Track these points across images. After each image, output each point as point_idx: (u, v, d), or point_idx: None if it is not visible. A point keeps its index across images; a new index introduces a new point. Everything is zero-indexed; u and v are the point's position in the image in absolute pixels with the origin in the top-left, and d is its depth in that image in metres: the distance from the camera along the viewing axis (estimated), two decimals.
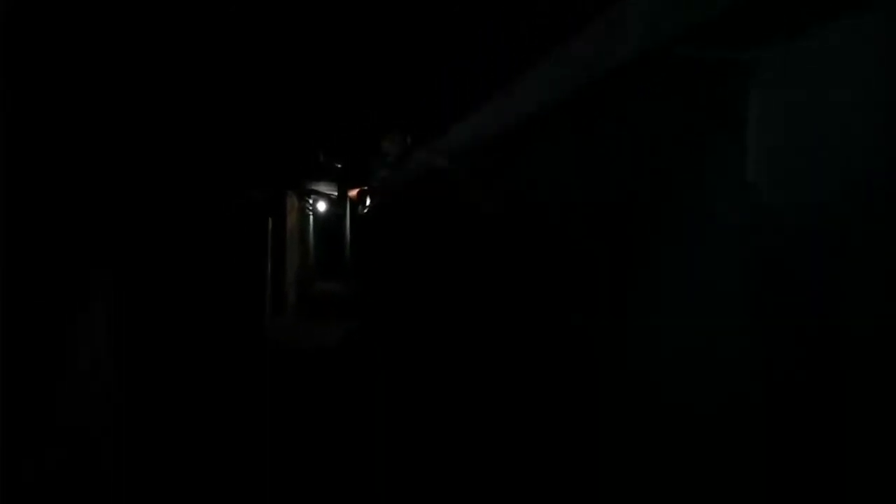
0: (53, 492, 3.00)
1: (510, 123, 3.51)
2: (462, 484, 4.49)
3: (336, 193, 15.75)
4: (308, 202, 17.05)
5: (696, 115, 2.46)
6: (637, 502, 2.83)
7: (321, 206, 18.52)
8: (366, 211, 13.35)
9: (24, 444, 2.78)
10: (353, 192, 14.60)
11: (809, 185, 2.00)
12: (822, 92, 1.95)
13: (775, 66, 2.14)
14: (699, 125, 2.45)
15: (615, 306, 3.07)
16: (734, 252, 2.31)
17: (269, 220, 11.16)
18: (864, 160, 1.84)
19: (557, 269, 3.66)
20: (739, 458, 2.30)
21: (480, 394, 5.10)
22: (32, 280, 2.92)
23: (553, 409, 3.75)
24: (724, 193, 2.35)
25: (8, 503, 2.60)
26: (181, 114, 5.46)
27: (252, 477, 4.79)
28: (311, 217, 19.05)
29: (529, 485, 3.95)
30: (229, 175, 7.88)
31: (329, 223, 20.84)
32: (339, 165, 14.42)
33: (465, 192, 5.41)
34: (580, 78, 2.66)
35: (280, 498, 4.49)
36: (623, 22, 2.40)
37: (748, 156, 2.21)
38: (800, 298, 2.04)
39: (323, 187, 15.28)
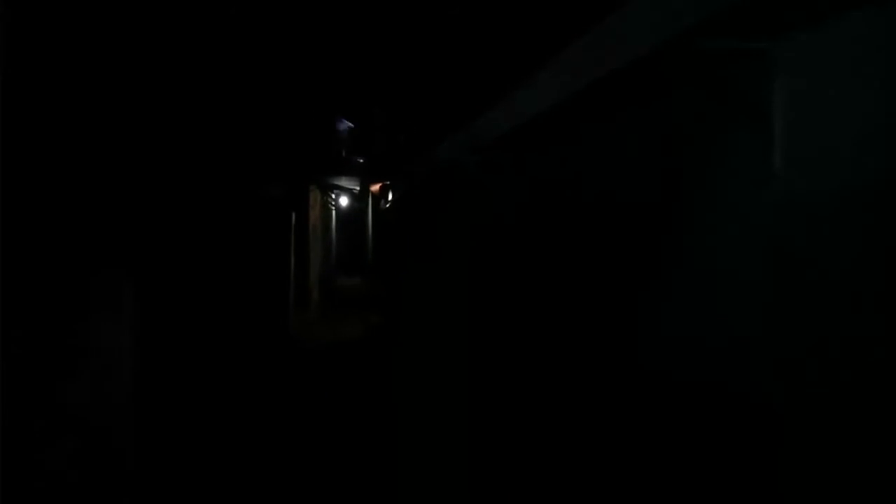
0: (73, 487, 3.04)
1: (532, 114, 3.50)
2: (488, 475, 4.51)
3: (358, 188, 15.80)
4: (331, 197, 17.13)
5: (718, 103, 2.44)
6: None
7: (343, 200, 18.60)
8: (388, 205, 13.40)
9: (43, 438, 2.82)
10: (375, 187, 14.66)
11: (831, 173, 1.97)
12: (843, 80, 1.92)
13: (796, 55, 2.11)
14: (721, 114, 2.43)
15: (639, 297, 3.05)
16: (757, 239, 2.28)
17: (293, 215, 11.22)
18: (886, 148, 1.81)
19: (579, 261, 3.64)
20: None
21: (502, 388, 5.10)
22: (54, 273, 2.96)
23: (582, 404, 3.75)
24: (747, 181, 2.33)
25: (28, 497, 2.64)
26: (206, 109, 5.51)
27: (273, 471, 4.84)
28: (334, 212, 19.15)
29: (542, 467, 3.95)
30: (253, 170, 7.94)
31: (351, 218, 20.93)
32: (361, 160, 14.48)
33: (487, 184, 5.39)
34: (601, 69, 2.65)
35: (301, 491, 4.53)
36: (645, 12, 2.38)
37: (770, 144, 2.19)
38: (822, 284, 2.02)
39: (345, 182, 15.35)
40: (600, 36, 2.63)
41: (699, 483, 2.66)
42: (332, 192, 16.95)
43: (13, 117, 2.47)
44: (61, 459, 2.97)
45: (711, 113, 2.48)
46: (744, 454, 2.38)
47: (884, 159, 1.80)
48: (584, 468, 3.53)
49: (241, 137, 7.13)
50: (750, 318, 2.30)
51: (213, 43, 4.71)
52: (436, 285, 7.95)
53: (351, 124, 13.30)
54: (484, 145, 4.82)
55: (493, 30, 4.06)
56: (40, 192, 2.80)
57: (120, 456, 3.64)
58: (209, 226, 5.81)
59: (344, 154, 14.44)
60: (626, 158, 3.06)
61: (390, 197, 12.57)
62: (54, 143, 2.92)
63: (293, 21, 4.81)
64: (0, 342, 2.49)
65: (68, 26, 3.00)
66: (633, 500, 2.95)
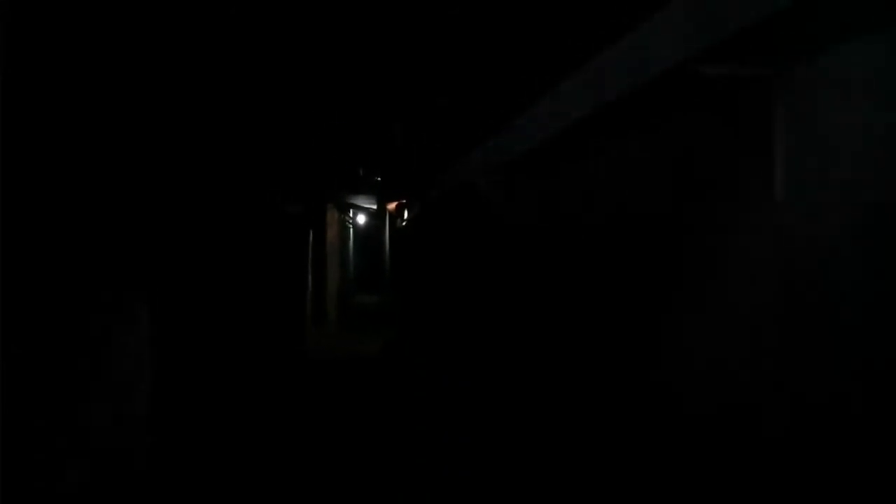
0: (93, 495, 3.07)
1: (541, 138, 3.59)
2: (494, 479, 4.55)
3: (375, 206, 15.93)
4: (348, 215, 17.29)
5: (723, 129, 2.52)
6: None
7: (360, 218, 18.76)
8: (404, 223, 13.49)
9: (62, 449, 2.85)
10: (392, 205, 14.78)
11: (834, 197, 2.04)
12: (844, 106, 2.00)
13: (799, 81, 2.19)
14: (726, 139, 2.50)
15: (647, 317, 3.11)
16: (763, 261, 2.34)
17: (311, 232, 11.34)
18: (886, 171, 1.87)
19: (591, 278, 3.71)
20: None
21: (516, 397, 5.15)
22: (75, 293, 3.01)
23: (590, 417, 3.80)
24: (753, 205, 2.39)
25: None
26: (226, 130, 5.64)
27: (292, 483, 4.89)
28: (351, 229, 19.30)
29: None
30: (272, 188, 8.06)
31: (368, 236, 21.10)
32: (378, 179, 14.60)
33: (502, 203, 5.48)
34: (609, 94, 2.74)
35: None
36: (650, 40, 2.47)
37: (774, 169, 2.26)
38: (829, 305, 2.07)
39: (362, 200, 15.49)
40: (607, 62, 2.72)
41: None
42: (350, 210, 17.11)
43: (19, 128, 2.48)
44: (82, 477, 3.01)
45: (716, 137, 2.55)
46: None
47: (884, 182, 1.86)
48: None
49: (261, 157, 7.26)
50: (757, 335, 2.36)
51: (230, 59, 4.84)
52: (451, 300, 8.01)
53: (368, 144, 13.41)
54: (496, 167, 4.91)
55: (506, 56, 4.16)
56: (56, 209, 2.84)
57: (138, 471, 3.70)
58: (228, 242, 5.90)
59: (361, 173, 14.57)
60: (632, 180, 3.14)
61: (406, 215, 12.66)
62: (70, 156, 2.96)
63: (313, 47, 4.94)
64: (16, 362, 2.54)
65: (83, 31, 3.01)
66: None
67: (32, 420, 2.63)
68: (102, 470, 3.20)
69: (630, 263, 3.17)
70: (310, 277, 11.34)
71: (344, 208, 16.07)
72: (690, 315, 2.73)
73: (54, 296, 2.82)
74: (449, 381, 7.47)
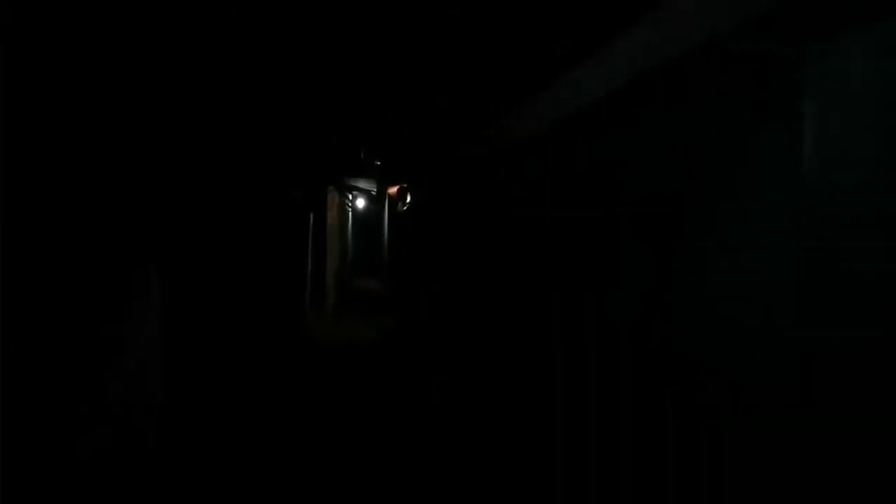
0: (105, 471, 3.10)
1: (557, 117, 3.49)
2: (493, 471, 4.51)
3: (375, 190, 15.83)
4: (348, 198, 17.19)
5: (749, 106, 2.43)
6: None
7: (360, 202, 18.67)
8: (405, 208, 13.41)
9: (77, 427, 2.87)
10: (393, 189, 14.69)
11: (861, 175, 1.96)
12: (872, 85, 1.91)
13: (826, 60, 2.10)
14: (753, 116, 2.42)
15: (673, 293, 3.04)
16: (787, 239, 2.27)
17: (311, 215, 11.25)
18: None
19: (611, 259, 3.63)
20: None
21: (515, 391, 5.09)
22: (88, 274, 3.02)
23: (600, 412, 3.73)
24: (778, 183, 2.32)
25: (62, 480, 2.69)
26: (223, 109, 5.55)
27: (290, 464, 4.87)
28: (351, 213, 19.22)
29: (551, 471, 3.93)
30: (273, 170, 7.98)
31: (367, 219, 21.03)
32: (379, 163, 14.49)
33: (509, 187, 5.38)
34: (637, 70, 2.64)
35: (316, 484, 4.55)
36: (679, 17, 2.37)
37: (800, 147, 2.18)
38: (853, 286, 2.01)
39: (363, 183, 15.39)
40: (631, 40, 2.62)
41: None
42: (350, 193, 17.01)
43: (24, 125, 2.48)
44: (100, 446, 3.05)
45: (744, 115, 2.47)
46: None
47: None
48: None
49: (262, 139, 7.17)
50: (782, 312, 2.30)
51: (231, 45, 4.76)
52: (451, 287, 7.94)
53: (369, 127, 13.30)
54: (506, 147, 4.82)
55: (518, 33, 4.05)
56: (68, 197, 2.84)
57: (149, 443, 3.74)
58: (229, 226, 5.86)
59: (362, 156, 14.46)
60: (657, 158, 3.05)
61: (408, 199, 12.57)
62: (85, 150, 2.96)
63: (312, 26, 4.83)
64: (44, 334, 2.56)
65: (94, 28, 3.00)
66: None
67: (55, 387, 2.65)
68: (120, 437, 3.25)
69: (660, 245, 3.09)
70: (309, 261, 11.26)
71: (344, 191, 15.96)
72: (715, 293, 2.66)
73: (78, 275, 2.85)
74: (446, 370, 7.44)
